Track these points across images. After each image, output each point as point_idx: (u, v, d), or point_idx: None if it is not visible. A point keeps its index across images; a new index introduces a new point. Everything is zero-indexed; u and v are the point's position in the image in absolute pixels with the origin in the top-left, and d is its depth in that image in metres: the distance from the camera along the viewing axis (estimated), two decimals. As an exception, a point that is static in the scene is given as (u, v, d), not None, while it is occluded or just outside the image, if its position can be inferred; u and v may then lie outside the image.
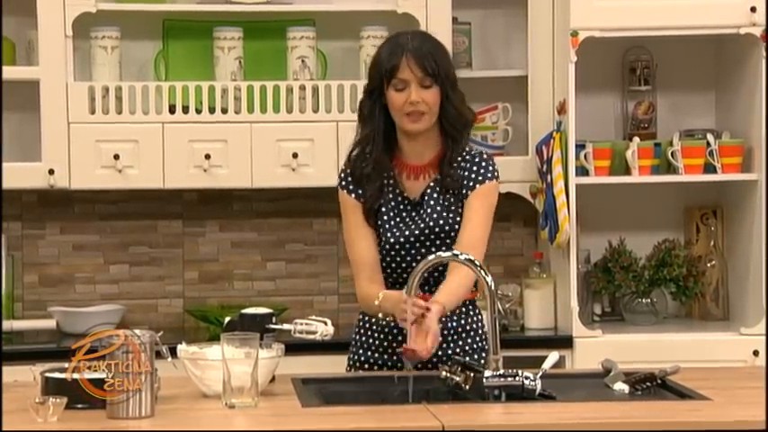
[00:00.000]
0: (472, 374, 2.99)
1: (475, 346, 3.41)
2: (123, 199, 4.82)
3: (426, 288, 3.31)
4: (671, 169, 4.67)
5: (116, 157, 4.50)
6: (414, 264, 3.28)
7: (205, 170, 4.56)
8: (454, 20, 4.66)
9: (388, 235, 3.34)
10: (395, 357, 3.32)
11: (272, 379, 3.04)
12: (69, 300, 4.75)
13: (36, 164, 4.48)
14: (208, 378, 2.93)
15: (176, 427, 2.71)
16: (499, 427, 2.74)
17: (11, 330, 4.50)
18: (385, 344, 3.37)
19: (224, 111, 4.59)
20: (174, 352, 2.96)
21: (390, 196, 3.37)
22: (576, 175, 4.55)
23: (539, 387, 2.96)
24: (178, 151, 4.55)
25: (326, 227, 4.96)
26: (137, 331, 2.79)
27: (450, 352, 3.33)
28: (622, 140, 4.75)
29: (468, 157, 3.38)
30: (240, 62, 4.64)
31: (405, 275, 3.33)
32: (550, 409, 2.89)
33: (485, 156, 3.41)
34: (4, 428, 2.69)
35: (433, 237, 3.33)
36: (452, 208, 3.34)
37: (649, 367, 3.17)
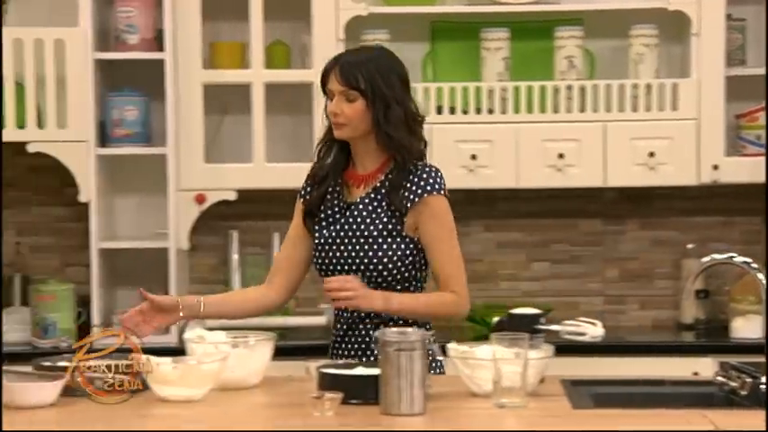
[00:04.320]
0: (749, 380, 2.90)
1: None
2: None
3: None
4: None
5: (381, 157, 4.57)
6: (335, 263, 3.30)
7: (471, 170, 4.58)
8: (728, 16, 4.54)
9: (323, 232, 3.35)
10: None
11: (542, 380, 3.03)
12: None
13: (309, 165, 4.57)
14: (478, 377, 2.94)
15: (447, 425, 2.73)
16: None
17: (285, 326, 4.63)
18: (363, 346, 3.33)
19: (490, 111, 4.61)
20: (442, 350, 2.99)
21: (334, 202, 3.37)
22: None
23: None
24: (444, 152, 4.58)
25: (592, 227, 4.92)
26: (408, 330, 2.82)
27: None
28: None
29: (411, 169, 3.31)
30: (507, 62, 4.64)
31: (332, 273, 3.32)
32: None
33: (427, 168, 3.32)
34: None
35: (354, 239, 3.30)
36: (381, 213, 3.30)
37: None
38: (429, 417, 2.75)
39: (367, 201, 3.33)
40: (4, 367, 2.94)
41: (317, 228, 3.38)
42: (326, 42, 4.55)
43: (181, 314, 3.25)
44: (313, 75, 4.55)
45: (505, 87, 4.60)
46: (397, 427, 2.69)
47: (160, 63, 4.53)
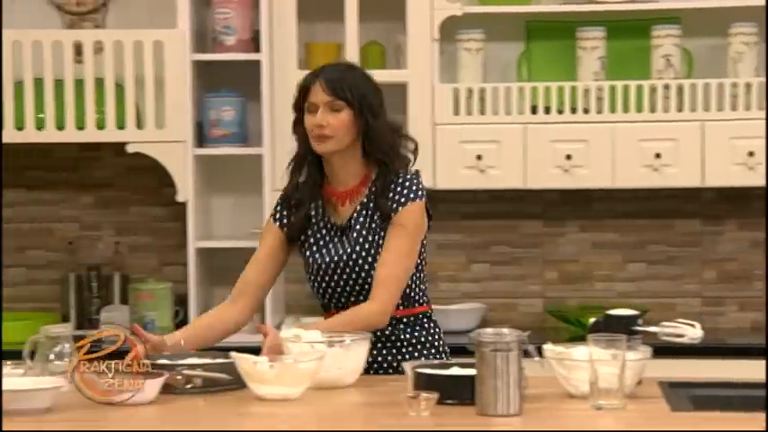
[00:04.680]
0: None
1: (431, 357, 3.37)
2: (484, 199, 4.89)
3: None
4: None
5: (479, 157, 4.57)
6: (343, 286, 3.33)
7: (566, 170, 4.56)
8: (830, 13, 4.47)
9: (317, 257, 3.35)
10: None
11: (639, 382, 3.00)
12: (433, 297, 4.77)
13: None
14: (574, 378, 2.92)
15: (544, 425, 2.72)
16: None
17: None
18: None
19: (586, 111, 4.58)
20: (538, 351, 2.98)
21: (320, 224, 3.37)
22: None
23: None
24: (540, 151, 4.57)
25: (690, 228, 4.87)
26: (504, 330, 2.81)
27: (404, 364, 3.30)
28: None
29: (393, 178, 3.33)
30: (602, 62, 4.61)
31: (333, 298, 3.36)
32: None
33: (408, 175, 3.34)
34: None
35: (360, 261, 3.31)
36: (376, 234, 3.31)
37: None
38: (525, 417, 2.74)
39: (361, 219, 3.34)
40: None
41: (308, 253, 3.38)
42: (421, 42, 4.56)
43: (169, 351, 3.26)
44: (408, 75, 4.59)
45: (601, 87, 4.57)
46: (494, 427, 2.69)
47: (256, 64, 4.56)
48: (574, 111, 4.58)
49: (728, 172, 4.53)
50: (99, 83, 4.56)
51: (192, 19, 4.57)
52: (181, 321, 4.61)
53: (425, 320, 3.44)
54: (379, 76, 4.57)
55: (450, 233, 4.91)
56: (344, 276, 3.35)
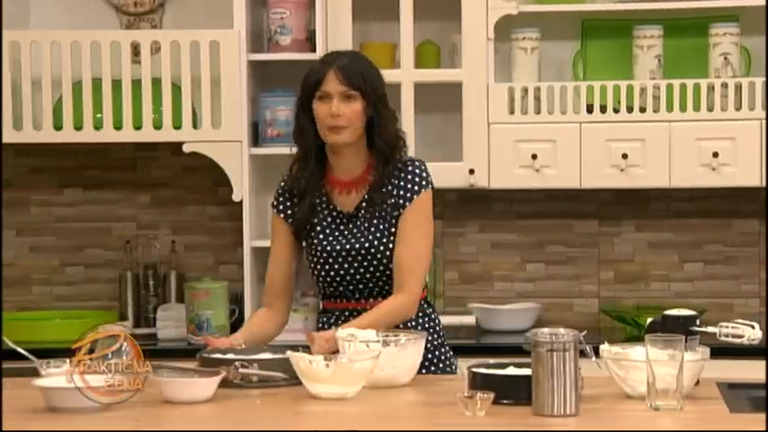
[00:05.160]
0: None
1: (435, 342, 3.41)
2: (539, 198, 4.87)
3: (366, 293, 3.38)
4: None
5: (534, 156, 4.56)
6: (353, 274, 3.35)
7: (622, 170, 4.54)
8: None
9: (325, 245, 3.37)
10: None
11: (697, 382, 2.98)
12: (488, 297, 4.85)
13: (458, 164, 4.59)
14: (631, 379, 2.91)
15: (601, 426, 2.70)
16: None
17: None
18: None
19: (642, 110, 4.55)
20: (595, 351, 2.97)
21: (325, 213, 3.38)
22: None
23: None
24: (595, 151, 4.55)
25: (747, 227, 4.82)
26: (560, 330, 2.80)
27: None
28: None
29: (400, 166, 3.34)
30: (659, 60, 4.58)
31: (341, 286, 3.37)
32: None
33: (416, 163, 3.36)
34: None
35: (372, 250, 3.33)
36: (387, 222, 3.33)
37: None
38: (582, 418, 2.73)
39: (371, 208, 3.35)
40: (161, 362, 3.01)
41: (315, 241, 3.39)
42: (476, 42, 4.55)
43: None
44: (463, 74, 4.58)
45: (658, 85, 4.54)
46: (550, 427, 2.68)
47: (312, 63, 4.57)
48: (630, 110, 4.55)
49: (788, 171, 4.49)
50: (156, 83, 4.58)
51: (248, 19, 4.59)
52: (236, 320, 4.63)
53: (422, 303, 3.47)
54: (434, 75, 4.66)
55: (505, 233, 4.89)
56: (355, 264, 3.37)
